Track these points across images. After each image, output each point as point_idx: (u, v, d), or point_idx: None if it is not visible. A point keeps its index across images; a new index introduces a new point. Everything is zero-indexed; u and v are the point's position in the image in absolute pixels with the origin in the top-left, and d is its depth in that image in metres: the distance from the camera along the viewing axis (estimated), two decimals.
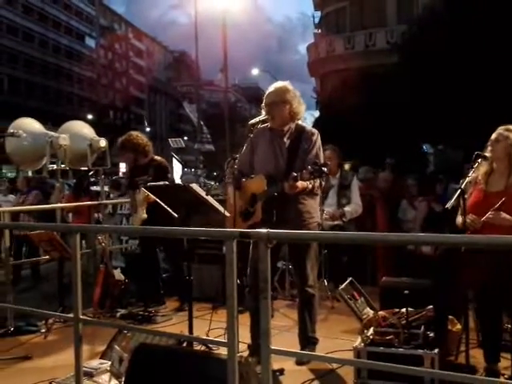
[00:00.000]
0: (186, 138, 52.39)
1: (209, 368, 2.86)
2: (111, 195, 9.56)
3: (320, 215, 6.04)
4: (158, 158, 6.05)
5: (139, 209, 5.77)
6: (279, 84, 4.18)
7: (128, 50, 70.92)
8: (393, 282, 4.64)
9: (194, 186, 3.74)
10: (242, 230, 2.55)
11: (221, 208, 3.74)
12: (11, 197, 9.73)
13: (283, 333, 4.84)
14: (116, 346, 3.59)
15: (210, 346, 4.01)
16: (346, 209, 6.25)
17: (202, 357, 3.10)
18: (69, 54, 59.12)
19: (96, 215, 7.13)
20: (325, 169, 3.61)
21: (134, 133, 6.08)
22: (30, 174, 11.43)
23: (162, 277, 6.24)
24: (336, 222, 6.25)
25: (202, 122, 25.51)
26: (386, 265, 6.60)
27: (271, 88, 4.14)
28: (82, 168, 6.90)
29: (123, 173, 46.82)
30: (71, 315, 3.19)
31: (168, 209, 4.02)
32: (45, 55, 55.35)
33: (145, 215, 5.73)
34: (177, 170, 18.13)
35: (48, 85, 55.43)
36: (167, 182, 5.43)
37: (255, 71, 49.84)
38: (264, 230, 2.44)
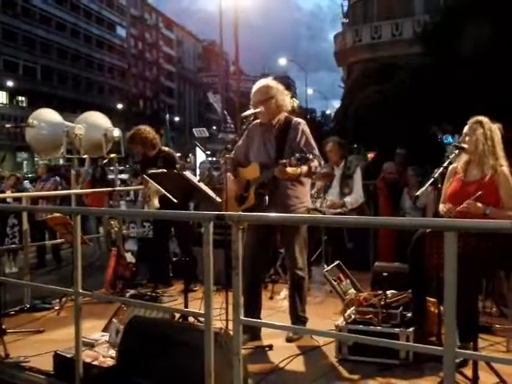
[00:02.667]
0: (214, 127, 52.87)
1: (192, 338, 3.16)
2: (133, 183, 9.96)
3: (322, 203, 6.38)
4: (165, 148, 6.35)
5: (152, 198, 6.10)
6: (262, 82, 4.48)
7: (158, 39, 71.61)
8: (382, 267, 4.90)
9: (187, 173, 4.04)
10: (219, 212, 2.82)
11: (212, 194, 4.04)
12: (26, 183, 10.12)
13: (279, 313, 5.12)
14: (114, 320, 3.93)
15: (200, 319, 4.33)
16: (346, 199, 6.48)
17: (186, 328, 3.41)
18: (100, 43, 60.08)
19: (111, 202, 7.49)
20: (310, 156, 3.88)
21: (142, 127, 6.36)
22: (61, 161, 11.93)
23: (171, 260, 6.58)
24: (338, 210, 6.48)
25: (225, 112, 25.81)
26: (387, 251, 6.81)
27: (255, 88, 4.45)
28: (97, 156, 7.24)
29: None
30: (72, 290, 3.54)
31: (167, 194, 4.33)
32: (76, 45, 56.32)
33: (157, 204, 6.04)
34: (200, 158, 18.49)
35: (79, 74, 56.52)
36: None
37: (282, 61, 49.97)
38: (236, 213, 2.73)
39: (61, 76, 53.75)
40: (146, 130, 6.22)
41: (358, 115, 16.78)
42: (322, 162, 4.47)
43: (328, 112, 71.75)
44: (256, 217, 2.91)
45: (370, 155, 19.99)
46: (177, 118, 66.63)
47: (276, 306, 5.39)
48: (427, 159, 11.40)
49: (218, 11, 23.39)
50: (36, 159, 42.10)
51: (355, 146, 17.26)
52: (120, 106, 55.20)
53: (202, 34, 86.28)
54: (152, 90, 68.57)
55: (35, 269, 7.98)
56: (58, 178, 8.94)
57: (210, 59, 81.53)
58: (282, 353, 4.12)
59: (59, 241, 6.86)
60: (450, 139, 23.67)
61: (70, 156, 7.18)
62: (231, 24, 22.35)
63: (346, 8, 35.41)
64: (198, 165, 15.93)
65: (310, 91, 62.37)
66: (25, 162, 47.94)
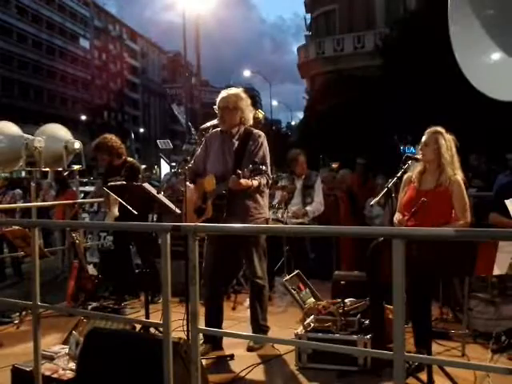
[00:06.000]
0: (179, 138, 52.68)
1: (151, 348, 3.17)
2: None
3: (283, 213, 6.46)
4: (130, 159, 6.35)
5: (112, 207, 6.08)
6: (233, 90, 4.52)
7: (122, 50, 71.17)
8: (341, 276, 4.98)
9: (146, 185, 4.06)
10: (175, 223, 2.85)
11: (172, 205, 4.07)
12: None
13: (241, 323, 5.16)
14: (74, 332, 3.91)
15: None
16: (308, 208, 6.59)
17: (145, 338, 3.42)
18: (63, 55, 59.36)
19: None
20: (263, 167, 3.95)
21: (109, 135, 6.35)
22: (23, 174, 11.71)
23: (134, 271, 6.54)
24: (300, 220, 6.57)
25: (190, 124, 25.82)
26: (348, 260, 6.93)
27: (225, 93, 4.47)
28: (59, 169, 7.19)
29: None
30: (30, 302, 3.52)
31: (127, 205, 4.34)
32: (39, 56, 55.58)
33: (117, 213, 6.02)
34: (164, 170, 18.46)
35: (42, 86, 55.71)
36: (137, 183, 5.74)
37: (247, 72, 50.26)
38: (192, 224, 2.77)
39: (22, 87, 52.92)
40: (113, 138, 6.21)
41: (320, 126, 16.99)
42: (270, 181, 4.54)
43: (293, 123, 72.37)
44: (212, 227, 2.95)
45: (335, 165, 20.24)
46: (141, 130, 66.22)
47: (239, 317, 5.44)
48: (388, 169, 11.60)
49: (180, 23, 23.43)
50: None
51: (320, 156, 17.46)
52: (84, 117, 54.60)
53: (166, 45, 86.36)
54: (116, 101, 68.00)
55: None
56: (19, 191, 8.82)
57: (174, 70, 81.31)
58: (244, 362, 4.16)
59: (19, 254, 6.76)
60: (412, 149, 24.16)
61: (30, 169, 7.10)
62: (195, 35, 22.40)
63: (309, 21, 35.83)
64: (162, 177, 15.94)
65: (274, 103, 62.75)
66: None
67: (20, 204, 7.69)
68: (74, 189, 7.81)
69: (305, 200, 6.72)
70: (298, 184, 6.77)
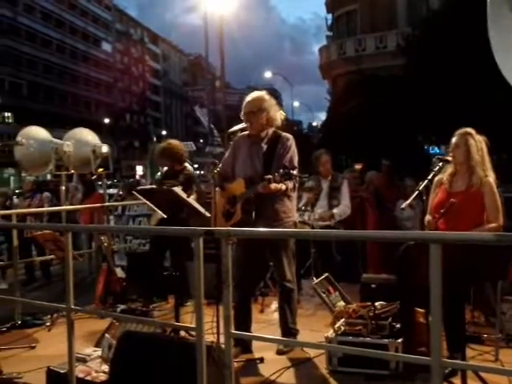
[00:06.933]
0: (201, 140, 52.93)
1: (184, 352, 3.20)
2: (125, 199, 9.93)
3: (310, 216, 6.45)
4: (189, 168, 6.37)
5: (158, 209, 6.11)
6: (256, 94, 4.52)
7: (144, 53, 71.72)
8: (370, 278, 4.96)
9: (177, 189, 4.09)
10: (209, 228, 2.87)
11: (202, 209, 4.09)
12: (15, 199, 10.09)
13: (270, 326, 5.15)
14: (107, 335, 3.96)
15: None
16: (334, 211, 6.56)
17: (178, 342, 3.44)
18: (86, 58, 60.03)
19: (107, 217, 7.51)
20: (294, 172, 3.95)
21: (173, 141, 6.42)
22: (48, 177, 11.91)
23: (163, 274, 6.58)
24: (326, 223, 6.55)
25: (212, 126, 25.93)
26: (375, 263, 6.88)
27: (249, 98, 4.48)
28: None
29: (140, 176, 47.16)
30: (64, 305, 3.57)
31: (156, 209, 4.37)
32: (62, 60, 56.30)
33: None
34: None
35: (66, 90, 56.42)
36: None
37: (268, 74, 50.29)
38: (225, 228, 2.78)
39: (47, 92, 53.63)
40: (176, 145, 6.27)
41: (344, 127, 16.92)
42: (297, 185, 4.54)
43: (314, 124, 72.22)
44: (244, 231, 2.96)
45: (358, 166, 20.18)
46: (164, 132, 66.60)
47: (267, 319, 5.43)
48: (414, 170, 11.52)
49: (201, 25, 23.54)
50: (23, 175, 41.88)
51: (343, 157, 17.42)
52: (107, 120, 55.12)
53: (186, 47, 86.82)
54: (138, 104, 68.57)
55: (25, 285, 7.95)
56: (48, 194, 8.93)
57: (195, 73, 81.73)
58: (273, 365, 4.16)
59: (49, 257, 6.86)
60: (436, 150, 23.95)
61: (58, 172, 7.20)
62: (216, 38, 22.50)
63: (330, 21, 35.73)
64: None
65: (296, 103, 62.71)
66: (11, 178, 47.65)
67: (49, 208, 7.78)
68: (102, 192, 7.89)
69: (331, 202, 6.69)
70: (325, 186, 6.75)
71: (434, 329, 2.28)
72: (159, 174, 8.68)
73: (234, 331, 2.88)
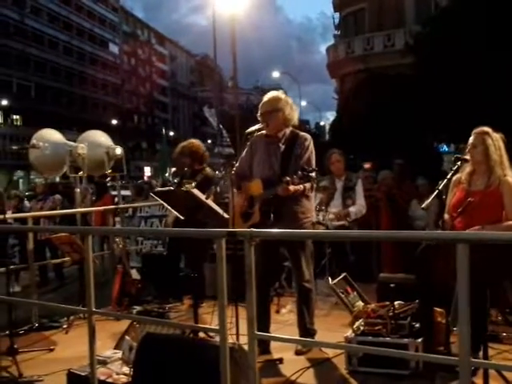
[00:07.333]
0: (209, 141, 52.96)
1: (205, 353, 3.20)
2: (135, 201, 9.95)
3: (324, 216, 6.43)
4: (208, 169, 6.34)
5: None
6: (272, 94, 4.54)
7: (151, 55, 71.88)
8: (387, 278, 4.95)
9: (195, 191, 4.09)
10: (231, 229, 2.87)
11: (220, 210, 4.09)
12: (26, 202, 10.13)
13: (287, 326, 5.14)
14: (127, 337, 3.97)
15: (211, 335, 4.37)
16: (351, 209, 6.54)
17: (199, 344, 3.45)
18: (93, 60, 60.23)
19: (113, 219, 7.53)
20: (313, 174, 3.95)
21: (194, 141, 6.43)
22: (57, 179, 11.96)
23: (179, 275, 6.58)
24: (341, 222, 6.53)
25: (221, 126, 25.91)
26: (391, 262, 6.86)
27: (265, 98, 4.50)
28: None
29: (148, 177, 47.13)
30: (85, 308, 3.57)
31: (173, 211, 4.38)
32: (70, 62, 56.50)
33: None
34: None
35: (73, 91, 56.59)
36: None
37: (276, 73, 50.28)
38: (247, 230, 2.78)
39: (55, 94, 53.84)
40: (197, 144, 6.27)
41: (353, 127, 16.88)
42: (315, 185, 4.53)
43: (322, 123, 72.13)
44: (268, 233, 2.96)
45: (367, 165, 20.13)
46: (171, 133, 66.72)
47: (283, 320, 5.43)
48: (424, 169, 11.49)
49: (207, 26, 23.58)
50: (32, 177, 42.11)
51: (352, 157, 17.34)
52: (114, 121, 55.28)
53: (193, 48, 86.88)
54: (146, 105, 68.76)
55: (38, 287, 7.98)
56: (59, 196, 8.96)
57: (203, 73, 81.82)
58: (293, 366, 4.16)
59: (65, 259, 6.89)
60: (445, 148, 23.85)
61: (73, 175, 7.22)
62: (223, 38, 22.51)
63: (337, 20, 35.64)
64: None
65: (303, 103, 62.51)
66: (20, 180, 47.91)
67: (61, 210, 7.81)
68: (116, 193, 7.91)
69: (345, 202, 6.67)
70: (339, 185, 6.73)
71: (463, 328, 2.27)
72: (167, 174, 8.69)
73: (257, 332, 2.87)
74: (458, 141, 19.85)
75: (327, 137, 40.07)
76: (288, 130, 4.51)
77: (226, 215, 4.10)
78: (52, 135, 6.88)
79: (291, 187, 4.09)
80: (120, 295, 6.22)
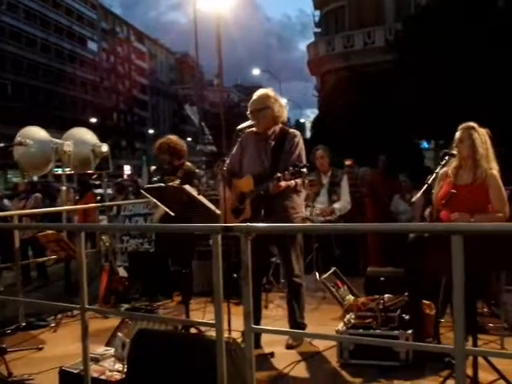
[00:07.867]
0: (189, 139, 52.83)
1: (200, 348, 3.22)
2: (115, 199, 9.89)
3: (311, 211, 6.48)
4: (188, 163, 6.33)
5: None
6: (261, 92, 4.57)
7: (130, 52, 71.35)
8: (375, 271, 5.01)
9: (187, 187, 4.10)
10: (227, 224, 2.89)
11: (212, 206, 4.11)
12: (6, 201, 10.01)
13: (275, 321, 5.19)
14: (119, 334, 3.96)
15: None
16: (335, 205, 6.60)
17: (193, 339, 3.46)
18: (71, 58, 59.58)
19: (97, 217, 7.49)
20: (304, 170, 3.98)
21: (172, 137, 6.33)
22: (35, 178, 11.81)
23: (168, 272, 6.56)
24: (327, 218, 6.59)
25: (203, 124, 25.86)
26: (377, 256, 6.94)
27: (254, 96, 4.53)
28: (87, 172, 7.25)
29: (128, 175, 46.73)
30: (78, 306, 3.57)
31: (165, 208, 4.38)
32: (47, 60, 55.83)
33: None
34: None
35: (51, 89, 55.90)
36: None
37: (256, 71, 50.33)
38: (244, 224, 2.80)
39: (32, 91, 53.15)
40: (175, 140, 6.23)
41: (335, 124, 16.98)
42: (306, 181, 4.56)
43: (302, 121, 72.29)
44: (263, 227, 2.98)
45: (347, 162, 20.24)
46: (151, 131, 66.33)
47: (271, 315, 5.47)
48: (406, 165, 11.61)
49: (187, 23, 23.58)
50: (9, 176, 41.54)
51: (334, 154, 17.40)
52: (93, 119, 54.79)
53: (172, 45, 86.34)
54: (125, 103, 68.23)
55: (21, 286, 7.91)
56: (39, 195, 8.88)
57: (183, 71, 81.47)
58: (285, 359, 4.21)
59: (50, 258, 6.84)
60: (425, 144, 24.08)
61: (57, 173, 7.17)
62: (203, 36, 22.46)
63: (317, 18, 35.73)
64: None
65: (283, 100, 62.53)
66: None
67: (57, 208, 7.73)
68: (101, 191, 7.86)
69: (331, 198, 6.73)
70: (325, 181, 6.79)
71: (457, 319, 2.32)
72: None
73: (254, 326, 2.90)
74: (438, 137, 20.09)
75: (308, 134, 40.20)
76: (277, 127, 4.55)
77: (218, 211, 4.12)
78: (37, 132, 6.82)
79: (283, 183, 4.13)
80: (107, 293, 6.20)
